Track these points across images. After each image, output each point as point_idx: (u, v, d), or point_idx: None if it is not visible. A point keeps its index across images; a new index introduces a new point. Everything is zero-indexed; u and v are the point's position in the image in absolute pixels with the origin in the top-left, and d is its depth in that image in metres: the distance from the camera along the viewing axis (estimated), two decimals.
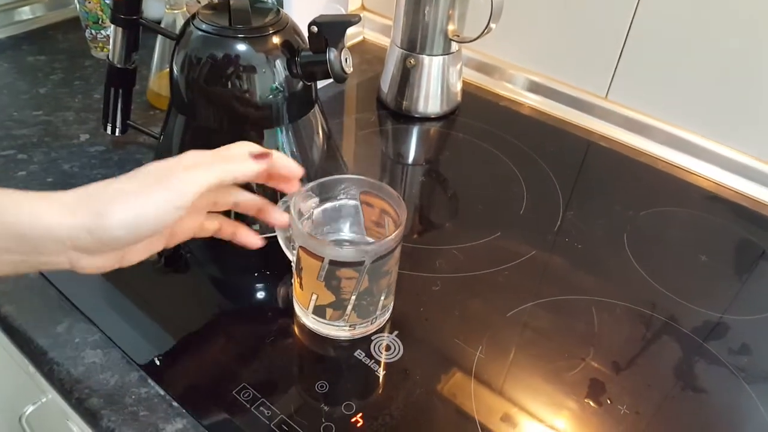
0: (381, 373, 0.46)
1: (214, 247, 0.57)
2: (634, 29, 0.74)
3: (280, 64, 0.54)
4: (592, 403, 0.46)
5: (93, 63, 0.86)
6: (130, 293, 0.51)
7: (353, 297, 0.46)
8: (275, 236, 0.51)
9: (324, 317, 0.48)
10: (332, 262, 0.44)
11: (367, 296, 0.47)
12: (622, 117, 0.79)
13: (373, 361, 0.47)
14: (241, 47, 0.53)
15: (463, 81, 0.83)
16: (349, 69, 0.55)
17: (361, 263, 0.44)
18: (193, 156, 0.42)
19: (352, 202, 0.51)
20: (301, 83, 0.56)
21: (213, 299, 0.53)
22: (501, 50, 0.87)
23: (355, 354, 0.48)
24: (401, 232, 0.46)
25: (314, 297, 0.47)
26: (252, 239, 0.49)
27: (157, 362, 0.46)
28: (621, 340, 0.52)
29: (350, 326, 0.48)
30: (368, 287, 0.46)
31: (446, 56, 0.76)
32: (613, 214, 0.66)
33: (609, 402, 0.47)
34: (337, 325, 0.48)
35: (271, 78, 0.54)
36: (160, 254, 0.56)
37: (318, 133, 0.61)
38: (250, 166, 0.42)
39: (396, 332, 0.50)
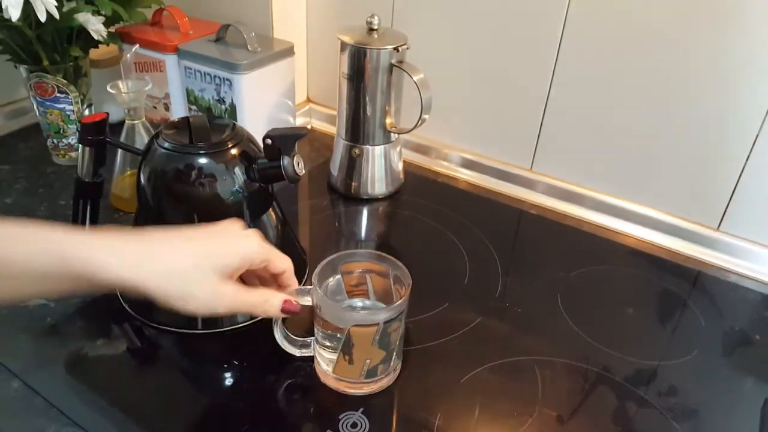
0: None
1: (186, 341, 0.61)
2: (549, 108, 0.84)
3: (239, 172, 0.61)
4: None
5: (55, 169, 0.90)
6: (116, 396, 0.55)
7: (398, 342, 0.55)
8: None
9: (375, 375, 0.55)
10: (386, 322, 0.52)
11: (400, 338, 0.56)
12: (547, 186, 0.87)
13: None
14: (203, 161, 0.59)
15: (404, 161, 0.91)
16: (301, 172, 0.62)
17: (401, 314, 0.53)
18: (240, 256, 0.50)
19: (336, 277, 0.58)
20: (258, 186, 0.62)
21: (189, 395, 0.57)
22: (435, 133, 0.95)
23: None
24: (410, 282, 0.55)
25: (368, 362, 0.54)
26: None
27: None
28: (563, 394, 0.58)
29: (394, 371, 0.57)
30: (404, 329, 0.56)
31: (387, 144, 0.84)
32: (547, 277, 0.73)
33: None
34: (386, 376, 0.56)
35: (231, 184, 0.60)
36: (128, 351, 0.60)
37: (276, 225, 0.67)
38: (277, 313, 0.53)
39: (361, 409, 0.54)
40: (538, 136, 0.87)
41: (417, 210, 0.85)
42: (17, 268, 0.43)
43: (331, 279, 0.58)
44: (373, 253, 0.59)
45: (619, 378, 0.60)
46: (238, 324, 0.63)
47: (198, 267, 0.47)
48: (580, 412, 0.56)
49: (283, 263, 0.54)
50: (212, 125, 0.62)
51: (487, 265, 0.74)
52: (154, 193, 0.61)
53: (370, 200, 0.86)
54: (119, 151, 0.80)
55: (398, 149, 0.87)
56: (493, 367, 0.60)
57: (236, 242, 0.51)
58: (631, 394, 0.58)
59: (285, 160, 0.60)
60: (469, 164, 0.93)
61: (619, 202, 0.84)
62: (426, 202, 0.87)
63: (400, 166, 0.88)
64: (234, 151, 0.60)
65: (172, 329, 0.62)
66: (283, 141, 0.59)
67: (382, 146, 0.83)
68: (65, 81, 0.84)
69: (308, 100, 1.06)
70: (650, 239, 0.81)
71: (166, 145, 0.60)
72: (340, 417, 0.53)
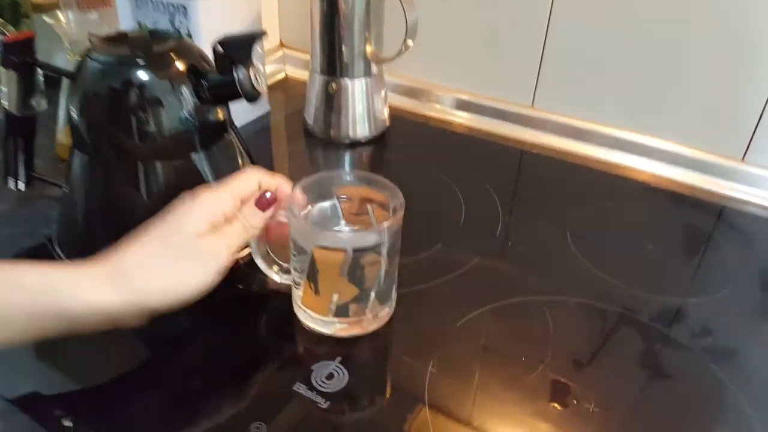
0: (324, 405, 0.42)
1: None
2: (550, 37, 0.75)
3: (187, 93, 0.51)
4: (557, 406, 0.43)
5: None
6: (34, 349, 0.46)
7: (377, 282, 0.45)
8: None
9: (346, 315, 0.46)
10: (356, 251, 0.43)
11: (386, 278, 0.46)
12: (551, 123, 0.78)
13: (315, 392, 0.42)
14: (143, 76, 0.50)
15: (391, 106, 0.81)
16: (261, 87, 0.52)
17: (379, 245, 0.43)
18: (206, 214, 0.42)
19: (327, 203, 0.49)
20: (211, 108, 0.53)
21: (126, 342, 0.47)
22: (426, 73, 0.86)
23: (294, 387, 0.43)
24: (403, 204, 0.45)
25: (335, 297, 0.45)
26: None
27: (68, 423, 0.40)
28: (579, 336, 0.49)
29: (375, 317, 0.47)
30: (387, 269, 0.45)
31: (368, 78, 0.74)
32: (554, 215, 0.64)
33: (575, 402, 0.43)
34: (362, 319, 0.47)
35: (178, 105, 0.51)
36: None
37: (237, 159, 0.57)
38: (261, 218, 0.45)
39: (339, 358, 0.45)
40: (539, 68, 0.77)
41: (405, 154, 0.76)
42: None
43: (322, 203, 0.49)
44: (372, 177, 0.49)
45: (643, 318, 0.51)
46: None
47: (171, 245, 0.41)
48: (600, 355, 0.47)
49: (251, 186, 0.45)
50: (155, 39, 0.52)
51: (486, 206, 0.65)
52: (89, 127, 0.52)
53: (353, 145, 0.77)
54: (64, 95, 0.70)
55: (382, 89, 0.77)
56: (495, 308, 0.51)
57: (193, 212, 0.42)
58: (659, 334, 0.49)
59: (240, 73, 0.50)
60: (463, 105, 0.84)
61: (632, 136, 0.74)
62: (416, 146, 0.78)
63: (385, 109, 0.79)
64: (179, 64, 0.51)
65: None
66: (236, 48, 0.50)
67: (363, 80, 0.74)
68: (1, 20, 0.74)
69: (281, 45, 0.96)
70: (668, 175, 0.72)
71: (100, 58, 0.50)
72: (313, 367, 0.44)
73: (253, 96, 0.51)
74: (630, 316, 0.51)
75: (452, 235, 0.60)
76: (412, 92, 0.87)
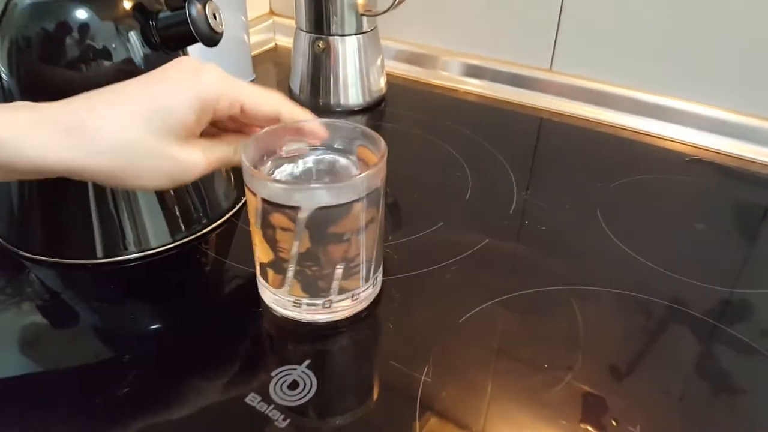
0: (283, 423, 0.32)
1: (79, 277, 0.43)
2: None
3: (135, 39, 0.42)
4: (591, 429, 0.32)
5: None
6: None
7: (292, 258, 0.35)
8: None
9: (266, 280, 0.38)
10: (265, 201, 0.34)
11: (312, 264, 0.36)
12: (572, 87, 0.68)
13: (272, 407, 0.32)
14: (82, 15, 0.41)
15: (390, 74, 0.72)
16: (219, 27, 0.43)
17: (295, 209, 0.34)
18: (206, 101, 0.34)
19: (343, 161, 0.39)
20: (163, 55, 0.43)
21: (41, 336, 0.38)
22: (431, 38, 0.76)
23: (247, 400, 0.33)
24: (368, 179, 0.34)
25: (257, 250, 0.38)
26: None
27: None
28: (616, 336, 0.39)
29: (295, 302, 0.37)
30: (311, 250, 0.35)
31: (360, 36, 0.64)
32: (579, 189, 0.54)
33: (615, 423, 0.33)
34: (282, 297, 0.38)
35: (124, 53, 0.42)
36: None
37: None
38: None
39: (307, 362, 0.35)
40: (558, 25, 0.67)
41: (405, 123, 0.66)
42: None
43: (339, 158, 0.39)
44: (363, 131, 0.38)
45: (698, 312, 0.40)
46: (152, 249, 0.44)
47: (150, 133, 0.34)
48: (645, 360, 0.37)
49: (268, 106, 0.37)
50: None
51: (498, 180, 0.55)
52: (18, 79, 0.43)
53: (343, 114, 0.67)
54: None
55: (377, 50, 0.67)
56: (508, 300, 0.40)
57: (187, 85, 0.34)
58: (719, 333, 0.39)
59: (193, 9, 0.41)
60: (474, 71, 0.73)
61: (666, 101, 0.64)
62: (417, 115, 0.67)
63: (380, 75, 0.69)
64: (126, 4, 0.42)
65: (61, 260, 0.44)
66: None
67: (354, 37, 0.64)
68: None
69: (271, 12, 0.87)
70: (710, 145, 0.61)
71: None
72: (274, 373, 0.34)
73: (210, 37, 0.42)
74: (680, 311, 0.40)
75: (457, 213, 0.50)
76: (414, 58, 0.77)
